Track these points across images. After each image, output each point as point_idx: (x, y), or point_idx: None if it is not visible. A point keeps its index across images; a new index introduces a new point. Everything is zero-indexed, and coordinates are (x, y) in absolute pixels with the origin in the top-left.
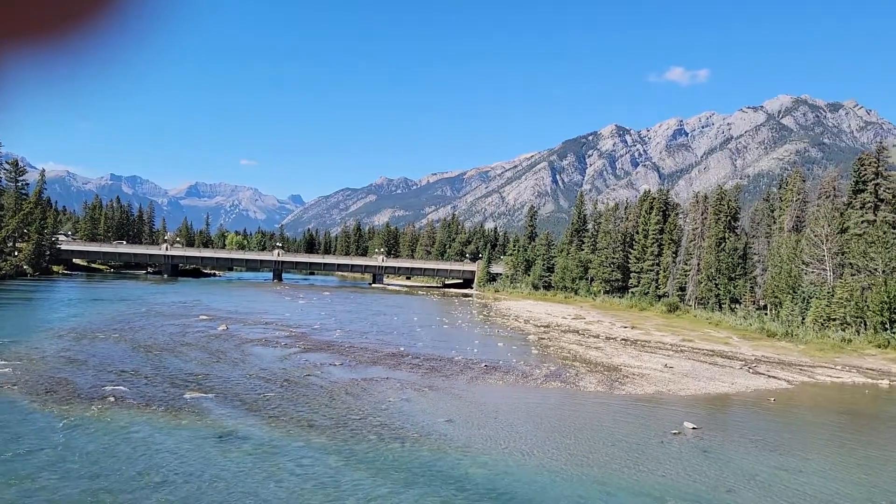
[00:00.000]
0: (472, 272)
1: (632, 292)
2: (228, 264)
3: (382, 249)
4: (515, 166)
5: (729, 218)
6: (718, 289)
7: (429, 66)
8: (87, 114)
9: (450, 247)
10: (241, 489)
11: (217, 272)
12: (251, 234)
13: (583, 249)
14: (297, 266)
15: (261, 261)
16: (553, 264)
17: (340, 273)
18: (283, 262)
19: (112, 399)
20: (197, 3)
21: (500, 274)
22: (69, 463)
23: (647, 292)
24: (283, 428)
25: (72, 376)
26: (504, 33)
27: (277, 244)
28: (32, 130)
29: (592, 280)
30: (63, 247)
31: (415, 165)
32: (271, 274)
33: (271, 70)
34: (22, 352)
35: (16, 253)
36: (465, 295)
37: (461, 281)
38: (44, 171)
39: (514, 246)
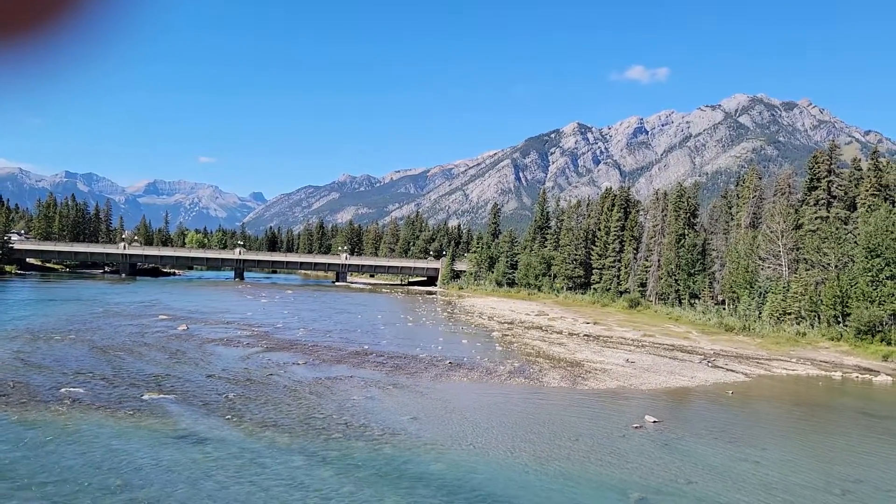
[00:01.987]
0: (437, 270)
1: (594, 289)
2: (189, 263)
3: (346, 247)
4: (479, 164)
5: (688, 215)
6: (678, 284)
7: (391, 65)
8: (39, 111)
9: (413, 244)
10: (203, 491)
11: (177, 271)
12: (212, 233)
13: (546, 246)
14: (259, 264)
15: (222, 259)
16: (516, 261)
17: (303, 271)
18: (244, 260)
19: (69, 401)
20: (148, 4)
21: (464, 271)
22: (24, 468)
23: (609, 288)
24: (245, 428)
25: (27, 378)
26: (467, 33)
27: (239, 242)
28: None
29: (555, 277)
30: (16, 246)
31: (378, 163)
32: (233, 273)
33: (229, 68)
34: None
35: None
36: (430, 292)
37: (425, 278)
38: None
39: (478, 243)
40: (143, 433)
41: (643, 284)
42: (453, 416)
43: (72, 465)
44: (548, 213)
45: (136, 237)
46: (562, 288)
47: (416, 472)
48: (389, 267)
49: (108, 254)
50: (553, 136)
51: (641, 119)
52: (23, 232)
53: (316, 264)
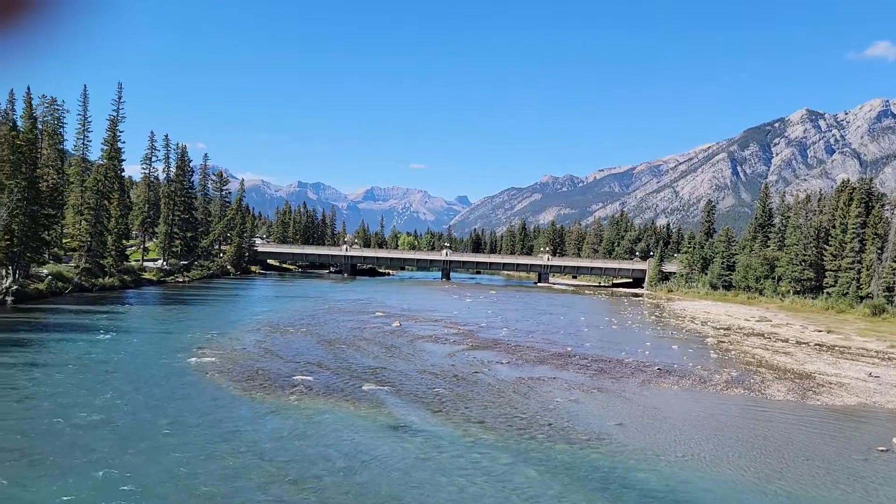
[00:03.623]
0: (643, 271)
1: (827, 293)
2: (401, 264)
3: (548, 248)
4: (690, 159)
5: None
6: None
7: (599, 61)
8: (286, 128)
9: (618, 245)
10: (415, 480)
11: (391, 271)
12: (421, 235)
13: (768, 246)
14: (464, 265)
15: (430, 260)
16: (734, 262)
17: (506, 272)
18: (450, 261)
19: (302, 388)
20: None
21: (674, 273)
22: (264, 445)
23: (846, 293)
24: (453, 422)
25: (267, 366)
26: (680, 19)
27: (445, 244)
28: (234, 144)
29: (779, 279)
30: (259, 248)
31: (580, 162)
32: (440, 273)
33: (431, 69)
34: (226, 343)
35: (221, 254)
36: (636, 295)
37: (630, 280)
38: (243, 180)
39: (690, 243)
40: (363, 421)
41: (889, 289)
42: (663, 425)
43: (302, 445)
44: (770, 209)
45: (355, 240)
46: (787, 291)
47: (622, 480)
48: (592, 268)
49: (332, 255)
50: (777, 125)
51: (887, 101)
52: (264, 236)
53: (518, 265)
